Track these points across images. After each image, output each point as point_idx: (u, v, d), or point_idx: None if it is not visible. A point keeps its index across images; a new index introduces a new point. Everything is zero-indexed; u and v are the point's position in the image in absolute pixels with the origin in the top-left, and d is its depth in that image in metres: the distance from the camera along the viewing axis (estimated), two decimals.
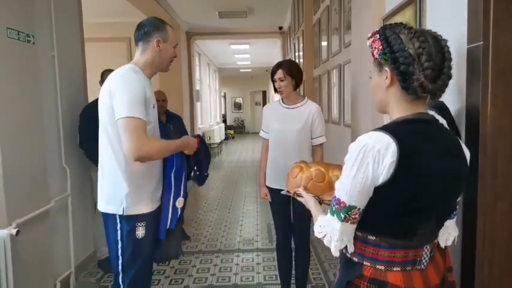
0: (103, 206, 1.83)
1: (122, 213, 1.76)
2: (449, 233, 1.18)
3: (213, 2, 6.65)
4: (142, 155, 1.64)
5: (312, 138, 2.47)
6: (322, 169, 1.39)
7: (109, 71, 2.75)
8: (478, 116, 1.28)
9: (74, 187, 3.00)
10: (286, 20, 8.31)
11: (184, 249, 3.78)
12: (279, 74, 2.41)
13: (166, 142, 1.81)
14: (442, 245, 1.16)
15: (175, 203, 1.90)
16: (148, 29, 1.79)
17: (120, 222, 1.78)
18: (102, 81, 3.25)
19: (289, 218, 2.56)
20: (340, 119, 3.48)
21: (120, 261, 1.81)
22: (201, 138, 2.05)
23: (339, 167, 1.43)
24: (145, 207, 1.81)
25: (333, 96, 3.82)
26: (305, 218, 2.44)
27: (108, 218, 1.81)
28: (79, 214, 3.12)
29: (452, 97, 1.38)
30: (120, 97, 1.65)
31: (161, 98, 3.85)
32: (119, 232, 1.79)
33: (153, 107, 1.81)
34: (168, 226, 1.89)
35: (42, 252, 2.58)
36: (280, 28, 9.07)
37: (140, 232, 1.80)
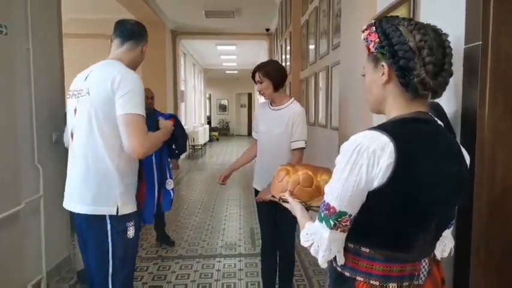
0: (88, 208, 1.70)
1: (115, 214, 1.69)
2: (445, 244, 1.10)
3: (200, 0, 6.54)
4: (145, 152, 1.68)
5: (291, 142, 2.34)
6: (310, 173, 1.30)
7: None
8: (475, 120, 1.21)
9: (47, 188, 2.84)
10: (273, 22, 8.25)
11: (164, 254, 3.65)
12: (257, 76, 2.37)
13: (155, 135, 1.83)
14: (438, 256, 1.08)
15: (165, 186, 2.02)
16: (141, 32, 1.89)
17: (111, 223, 1.70)
18: None
19: (276, 222, 2.47)
20: (327, 122, 3.41)
21: (110, 264, 1.72)
22: (175, 118, 2.16)
23: (328, 171, 1.34)
24: (133, 205, 1.79)
25: (319, 98, 3.75)
26: (292, 222, 2.32)
27: (94, 220, 1.70)
28: (52, 216, 2.96)
29: (447, 99, 1.31)
30: (127, 92, 1.64)
31: (149, 95, 3.71)
32: (109, 233, 1.70)
33: None
34: (154, 211, 1.94)
35: (11, 256, 2.43)
36: (267, 30, 9.01)
37: (131, 232, 1.77)
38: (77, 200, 1.73)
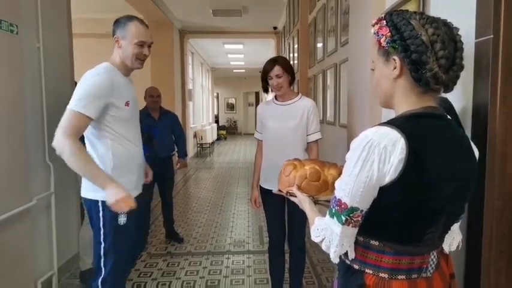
0: (84, 192, 1.88)
1: (103, 200, 1.76)
2: (453, 238, 1.09)
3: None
4: (55, 145, 1.69)
5: (307, 135, 2.38)
6: (317, 167, 1.30)
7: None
8: (486, 116, 1.20)
9: (58, 185, 2.87)
10: (280, 21, 8.24)
11: (173, 250, 3.68)
12: (277, 70, 2.31)
13: (87, 163, 1.73)
14: (446, 250, 1.08)
15: None
16: (112, 27, 1.88)
17: (103, 210, 1.81)
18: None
19: (284, 219, 2.47)
20: (335, 120, 3.40)
21: (102, 246, 1.85)
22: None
23: (335, 165, 1.35)
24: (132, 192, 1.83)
25: (328, 96, 3.74)
26: (301, 218, 2.36)
27: (91, 204, 1.85)
28: (63, 213, 3.00)
29: (455, 94, 1.30)
30: (75, 90, 1.75)
31: (155, 94, 3.76)
32: (101, 219, 1.84)
33: (127, 105, 1.87)
34: None
35: (22, 252, 2.45)
36: (275, 28, 9.00)
37: (122, 219, 1.84)
38: (82, 184, 1.90)
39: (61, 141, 1.67)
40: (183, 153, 4.00)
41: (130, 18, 1.88)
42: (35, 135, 2.66)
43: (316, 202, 1.24)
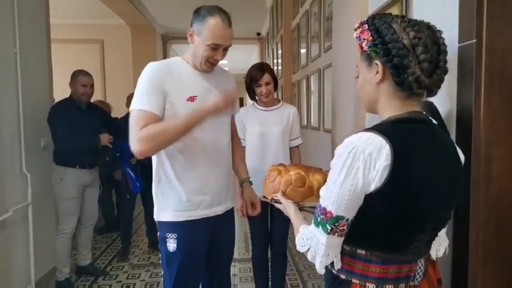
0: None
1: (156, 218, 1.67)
2: (440, 244, 1.08)
3: (191, 5, 6.48)
4: (138, 150, 1.48)
5: (290, 140, 2.43)
6: (303, 173, 1.27)
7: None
8: (471, 119, 1.20)
9: (36, 195, 2.77)
10: (264, 26, 8.25)
11: (156, 260, 3.59)
12: (267, 78, 2.31)
13: (161, 127, 1.48)
14: (434, 256, 1.06)
15: None
16: (192, 16, 1.60)
17: (160, 229, 1.69)
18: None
19: (267, 227, 2.44)
20: (319, 125, 3.39)
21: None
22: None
23: (320, 170, 1.32)
24: (174, 213, 1.64)
25: (312, 101, 3.74)
26: (284, 224, 2.39)
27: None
28: (41, 224, 2.89)
29: (440, 98, 1.29)
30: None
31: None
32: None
33: (190, 100, 1.58)
34: None
35: None
36: (259, 34, 9.01)
37: (171, 245, 1.64)
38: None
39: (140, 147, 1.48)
40: None
41: (212, 11, 1.55)
42: (11, 143, 2.57)
43: (301, 208, 1.21)
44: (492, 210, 1.19)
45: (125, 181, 3.48)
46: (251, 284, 3.02)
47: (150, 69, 1.57)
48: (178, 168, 1.63)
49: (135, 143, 1.47)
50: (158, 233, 1.73)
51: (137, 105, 1.51)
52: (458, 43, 1.23)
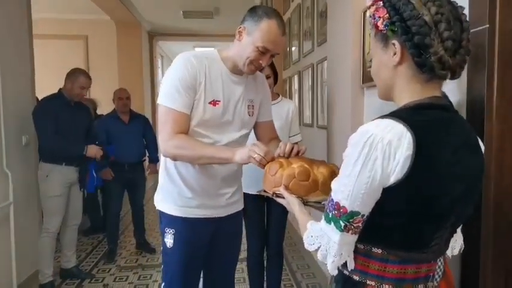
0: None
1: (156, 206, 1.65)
2: (455, 241, 1.01)
3: (178, 0, 6.38)
4: (165, 150, 1.47)
5: (289, 136, 2.34)
6: (306, 165, 1.18)
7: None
8: (482, 110, 1.14)
9: (17, 195, 2.64)
10: None
11: (144, 262, 3.48)
12: (267, 71, 2.22)
13: (198, 145, 1.46)
14: (449, 254, 1.00)
15: None
16: (247, 12, 1.50)
17: (161, 220, 1.66)
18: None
19: (264, 226, 2.36)
20: (313, 121, 3.33)
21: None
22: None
23: (324, 163, 1.24)
24: (175, 207, 1.59)
25: (304, 97, 3.67)
26: (280, 222, 2.33)
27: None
28: (23, 225, 2.76)
29: (449, 88, 1.23)
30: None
31: (124, 96, 3.57)
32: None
33: (212, 104, 1.50)
34: None
35: None
36: None
37: (169, 241, 1.59)
38: None
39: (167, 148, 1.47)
40: (154, 158, 3.82)
41: (270, 13, 1.44)
42: None
43: (305, 204, 1.13)
44: (504, 203, 1.14)
45: (84, 177, 3.26)
46: (243, 285, 2.93)
47: (184, 63, 1.47)
48: (183, 168, 1.58)
49: (165, 143, 1.45)
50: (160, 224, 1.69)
51: (169, 103, 1.45)
52: (470, 29, 1.17)
